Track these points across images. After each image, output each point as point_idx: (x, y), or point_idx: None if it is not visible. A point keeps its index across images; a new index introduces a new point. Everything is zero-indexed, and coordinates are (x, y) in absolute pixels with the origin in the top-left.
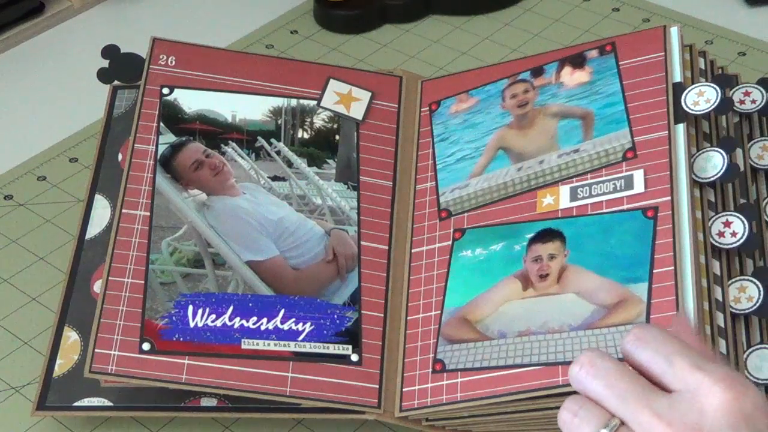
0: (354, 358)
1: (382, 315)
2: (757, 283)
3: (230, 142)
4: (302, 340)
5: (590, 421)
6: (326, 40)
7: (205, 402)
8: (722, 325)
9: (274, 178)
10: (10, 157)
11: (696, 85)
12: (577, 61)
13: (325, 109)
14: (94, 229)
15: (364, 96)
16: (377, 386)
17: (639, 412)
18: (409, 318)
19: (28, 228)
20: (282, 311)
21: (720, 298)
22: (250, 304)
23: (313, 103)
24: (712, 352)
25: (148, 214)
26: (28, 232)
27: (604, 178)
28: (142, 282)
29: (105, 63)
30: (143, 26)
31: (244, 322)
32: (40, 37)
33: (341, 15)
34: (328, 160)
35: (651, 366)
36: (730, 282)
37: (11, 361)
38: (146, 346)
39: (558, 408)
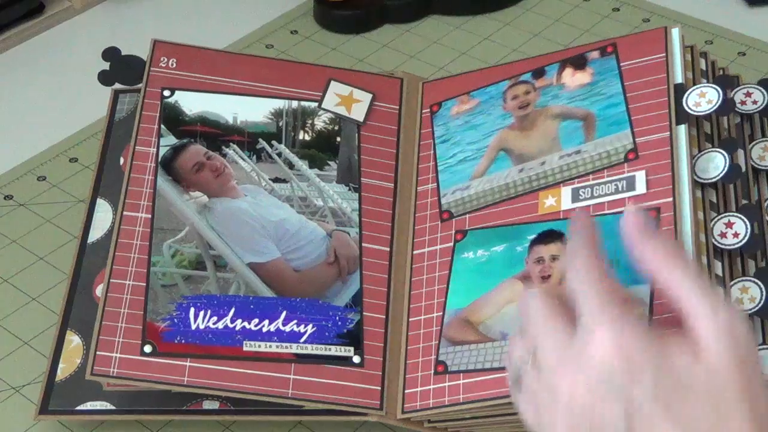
0: (356, 359)
1: (384, 317)
2: (760, 284)
3: (231, 144)
4: (304, 342)
5: (514, 353)
6: (326, 40)
7: (207, 405)
8: None
9: (276, 180)
10: (10, 157)
11: (697, 86)
12: (579, 62)
13: (326, 110)
14: (96, 233)
15: (365, 98)
16: (379, 388)
17: (544, 339)
18: (410, 319)
19: (28, 228)
20: (283, 313)
21: None
22: (252, 306)
23: (314, 104)
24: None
25: (150, 216)
26: (28, 232)
27: (605, 180)
28: (144, 284)
29: (105, 63)
30: (143, 26)
31: (245, 324)
32: (40, 37)
33: (341, 15)
34: (330, 162)
35: (576, 297)
36: (732, 283)
37: (11, 361)
38: (148, 349)
39: None
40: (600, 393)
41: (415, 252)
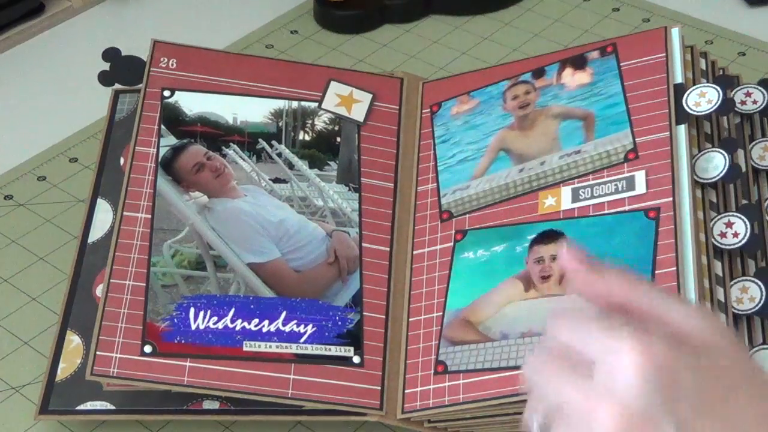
0: (356, 359)
1: (384, 317)
2: (759, 283)
3: (231, 144)
4: (304, 342)
5: (530, 409)
6: (326, 40)
7: (207, 405)
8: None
9: (276, 180)
10: (10, 157)
11: (697, 86)
12: (579, 62)
13: (326, 110)
14: (96, 234)
15: (365, 98)
16: (379, 388)
17: (562, 389)
18: (410, 319)
19: (28, 228)
20: (283, 313)
21: (722, 299)
22: (252, 306)
23: (314, 105)
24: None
25: (150, 216)
26: (28, 232)
27: (605, 179)
28: (144, 284)
29: (105, 63)
30: (143, 26)
31: (245, 324)
32: (40, 37)
33: (341, 15)
34: (330, 162)
35: (574, 344)
36: (732, 283)
37: (11, 361)
38: (148, 349)
39: None
40: (645, 417)
41: (415, 252)
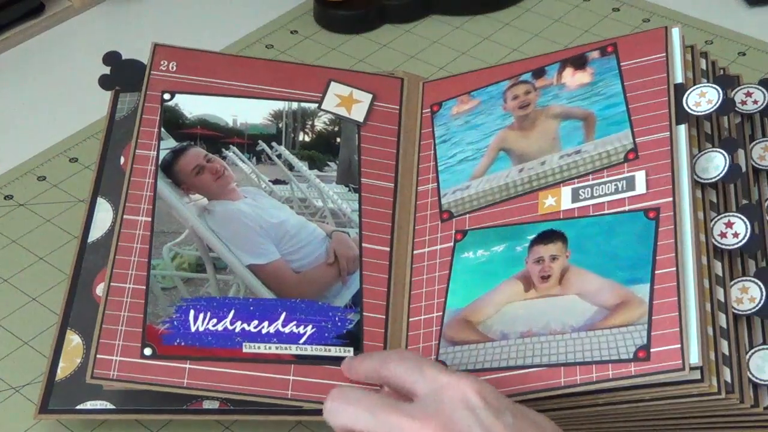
0: None
1: (384, 317)
2: (759, 284)
3: (231, 146)
4: (303, 343)
5: None
6: (326, 40)
7: (207, 404)
8: (724, 326)
9: (275, 182)
10: (10, 157)
11: (698, 86)
12: (579, 62)
13: (326, 111)
14: (96, 233)
15: (365, 98)
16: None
17: (388, 416)
18: (410, 320)
19: (28, 228)
20: (283, 314)
21: (722, 299)
22: (251, 308)
23: (313, 105)
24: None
25: (150, 219)
26: (28, 232)
27: (605, 179)
28: (144, 287)
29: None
30: (143, 26)
31: (245, 325)
32: (40, 37)
33: (341, 15)
34: (330, 163)
35: (403, 377)
36: (732, 283)
37: (11, 361)
38: (148, 351)
39: (560, 409)
40: (463, 427)
41: (415, 252)
